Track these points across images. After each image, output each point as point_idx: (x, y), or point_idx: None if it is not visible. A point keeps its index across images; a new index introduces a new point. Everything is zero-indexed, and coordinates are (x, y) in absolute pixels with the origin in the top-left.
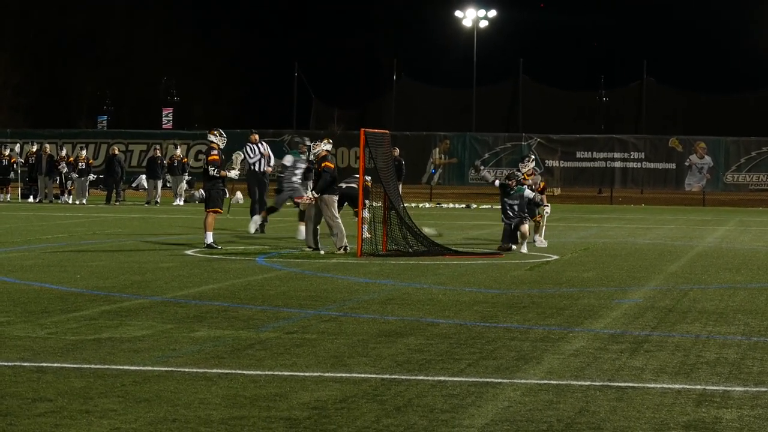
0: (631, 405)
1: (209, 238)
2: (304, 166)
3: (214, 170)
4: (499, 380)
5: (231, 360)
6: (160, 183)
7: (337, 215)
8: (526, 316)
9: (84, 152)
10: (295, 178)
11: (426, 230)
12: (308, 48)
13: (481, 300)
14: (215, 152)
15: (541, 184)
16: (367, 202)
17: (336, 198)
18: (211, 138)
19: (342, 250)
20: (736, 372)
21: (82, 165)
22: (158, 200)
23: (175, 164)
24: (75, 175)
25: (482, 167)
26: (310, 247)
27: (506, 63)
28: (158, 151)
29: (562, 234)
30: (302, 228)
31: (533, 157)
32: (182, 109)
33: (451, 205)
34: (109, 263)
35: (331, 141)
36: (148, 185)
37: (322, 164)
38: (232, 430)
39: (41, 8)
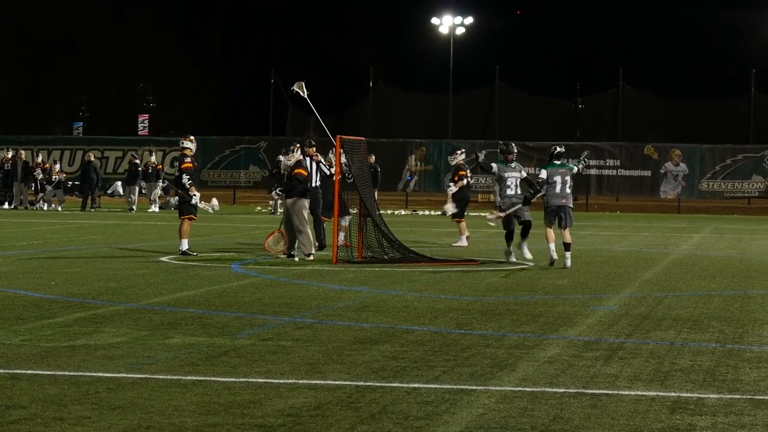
0: (605, 412)
1: (184, 245)
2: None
3: (188, 179)
4: (474, 387)
5: (205, 367)
6: (136, 189)
7: (307, 223)
8: (501, 323)
9: (57, 165)
10: None
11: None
12: (285, 55)
13: (456, 307)
14: (189, 160)
15: (460, 173)
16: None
17: (307, 204)
18: (187, 144)
19: (310, 257)
20: (710, 379)
21: (55, 178)
22: (134, 207)
23: (150, 171)
24: (48, 187)
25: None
26: (310, 254)
27: (483, 70)
28: (136, 158)
29: (538, 241)
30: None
31: (463, 149)
32: (158, 116)
33: (426, 212)
34: (84, 270)
35: (299, 147)
36: (125, 192)
37: (294, 171)
38: None
39: (19, 14)
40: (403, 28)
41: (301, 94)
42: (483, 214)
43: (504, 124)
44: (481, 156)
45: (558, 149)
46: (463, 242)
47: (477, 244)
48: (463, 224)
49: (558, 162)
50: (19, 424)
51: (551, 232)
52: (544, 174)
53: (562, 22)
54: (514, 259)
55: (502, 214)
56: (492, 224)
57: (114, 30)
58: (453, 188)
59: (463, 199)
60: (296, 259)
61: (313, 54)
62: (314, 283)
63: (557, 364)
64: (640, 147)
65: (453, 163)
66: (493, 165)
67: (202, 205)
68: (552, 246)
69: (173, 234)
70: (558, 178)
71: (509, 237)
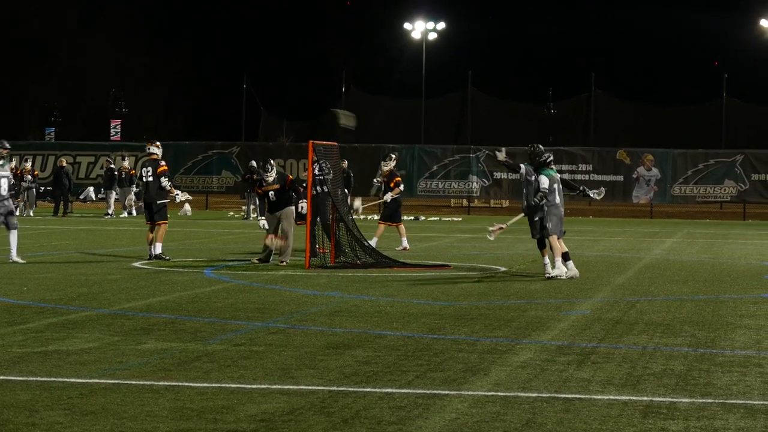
0: (577, 417)
1: (158, 248)
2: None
3: (168, 181)
4: (447, 392)
5: (178, 372)
6: (113, 194)
7: (293, 229)
8: (473, 327)
9: (28, 164)
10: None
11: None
12: (257, 60)
13: (429, 312)
14: (164, 163)
15: (396, 179)
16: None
17: (293, 210)
18: (154, 149)
19: (284, 263)
20: (682, 383)
21: (27, 177)
22: (110, 212)
23: (123, 176)
24: (24, 184)
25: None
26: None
27: (455, 75)
28: (111, 163)
29: (510, 246)
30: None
31: (394, 156)
32: (131, 121)
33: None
34: (57, 275)
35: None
36: (106, 196)
37: (288, 181)
38: None
39: None
40: (376, 33)
41: (349, 125)
42: (456, 219)
43: (476, 129)
44: (501, 155)
45: (551, 157)
46: (405, 244)
47: (449, 249)
48: (402, 227)
49: (551, 169)
50: None
51: (563, 244)
52: (546, 182)
53: (534, 28)
54: (567, 271)
55: (497, 230)
56: (491, 238)
57: (86, 35)
58: (390, 196)
59: (397, 203)
60: (285, 263)
61: (285, 59)
62: (287, 288)
63: (530, 368)
64: (613, 152)
65: (386, 168)
66: (522, 165)
67: (184, 197)
68: (570, 262)
69: (146, 239)
70: (556, 186)
71: (541, 245)
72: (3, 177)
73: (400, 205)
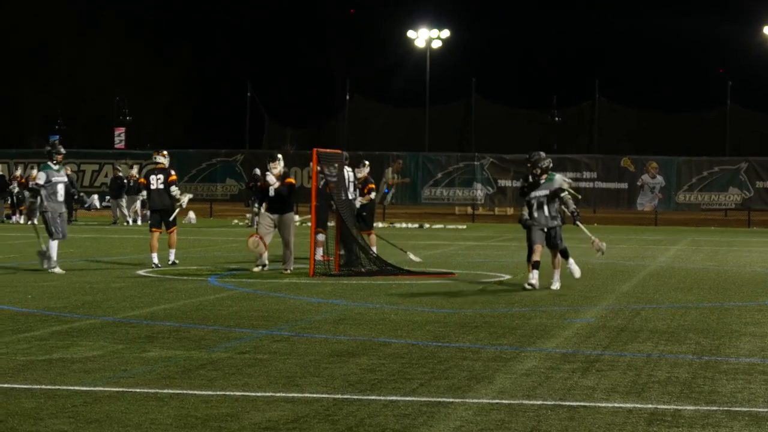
0: (582, 424)
1: (172, 255)
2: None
3: (177, 190)
4: (451, 400)
5: (182, 380)
6: (123, 202)
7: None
8: (478, 335)
9: (35, 171)
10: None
11: (411, 256)
12: (261, 68)
13: (434, 320)
14: (174, 172)
15: (370, 185)
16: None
17: (294, 216)
18: (160, 159)
19: (287, 271)
20: (687, 391)
21: (32, 184)
22: (129, 220)
23: (131, 184)
24: (27, 193)
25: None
26: (263, 265)
27: (459, 82)
28: (119, 171)
29: (515, 254)
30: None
31: (367, 162)
32: (134, 129)
33: (404, 225)
34: (61, 283)
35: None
36: (111, 205)
37: (287, 179)
38: None
39: None
40: (380, 40)
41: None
42: (461, 227)
43: (480, 136)
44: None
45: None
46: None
47: (454, 257)
48: (373, 237)
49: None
50: None
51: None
52: (565, 185)
53: (538, 35)
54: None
55: (598, 243)
56: (603, 247)
57: (89, 42)
58: (360, 201)
59: (372, 211)
60: (258, 269)
61: (289, 66)
62: (291, 296)
63: (534, 376)
64: (617, 159)
65: (360, 175)
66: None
67: (185, 198)
68: (537, 271)
69: (149, 248)
70: None
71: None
72: (60, 183)
73: (373, 213)
